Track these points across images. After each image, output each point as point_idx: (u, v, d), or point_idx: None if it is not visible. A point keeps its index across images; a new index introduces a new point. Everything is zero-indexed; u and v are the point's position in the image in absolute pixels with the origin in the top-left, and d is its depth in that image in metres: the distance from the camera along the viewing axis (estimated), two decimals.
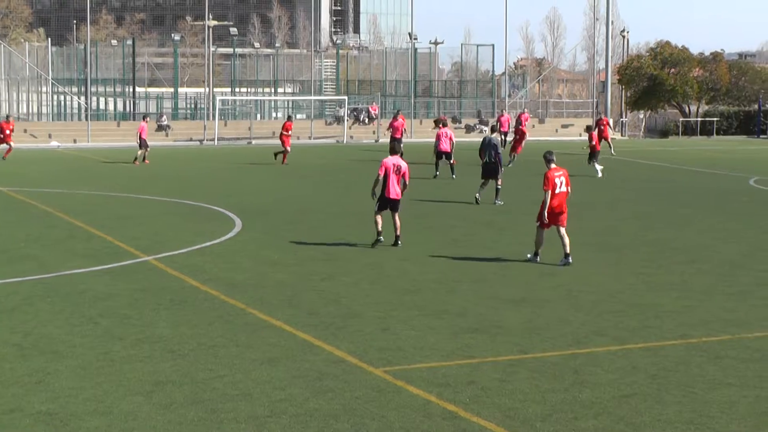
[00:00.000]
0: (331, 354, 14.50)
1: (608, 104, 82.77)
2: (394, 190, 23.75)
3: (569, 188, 22.09)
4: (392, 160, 23.90)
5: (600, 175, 42.39)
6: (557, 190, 21.79)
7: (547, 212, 21.77)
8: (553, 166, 22.06)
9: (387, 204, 23.86)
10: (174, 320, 16.53)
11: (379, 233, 23.69)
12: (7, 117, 50.90)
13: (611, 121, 46.25)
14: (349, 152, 59.47)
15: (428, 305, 17.76)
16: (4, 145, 52.18)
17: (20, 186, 37.88)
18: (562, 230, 21.99)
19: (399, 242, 23.91)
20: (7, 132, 52.36)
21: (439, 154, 41.73)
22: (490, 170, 32.61)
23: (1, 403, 12.23)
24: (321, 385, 13.01)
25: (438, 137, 42.05)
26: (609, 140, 56.40)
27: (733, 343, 15.39)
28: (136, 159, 49.63)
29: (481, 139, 33.87)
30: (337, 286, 19.44)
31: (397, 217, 23.96)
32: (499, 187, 32.69)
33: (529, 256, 22.50)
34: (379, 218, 23.77)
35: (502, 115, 59.90)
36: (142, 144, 50.06)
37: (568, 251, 21.91)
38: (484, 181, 32.79)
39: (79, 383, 13.04)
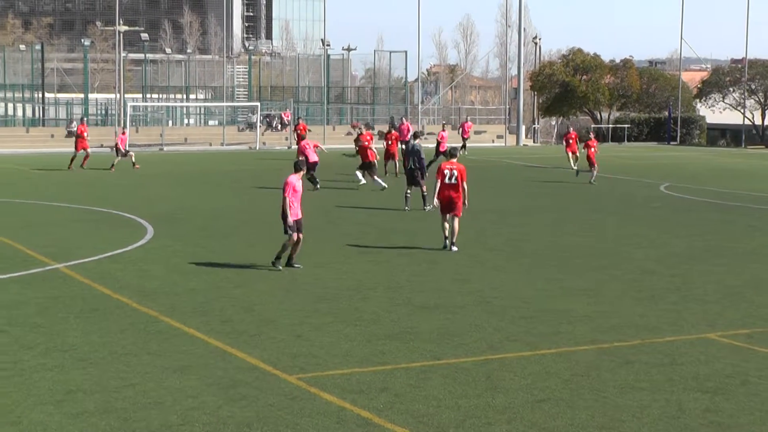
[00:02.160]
0: (244, 361, 14.46)
1: (521, 111, 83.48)
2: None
3: (465, 183, 24.46)
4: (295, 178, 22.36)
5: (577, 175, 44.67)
6: (446, 181, 24.38)
7: (441, 201, 24.48)
8: (453, 160, 24.76)
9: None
10: (85, 328, 16.37)
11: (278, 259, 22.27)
12: (82, 119, 46.52)
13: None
14: (262, 158, 59.30)
15: (342, 312, 17.78)
16: (82, 152, 49.22)
17: None
18: (456, 218, 24.58)
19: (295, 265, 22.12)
20: (84, 135, 49.20)
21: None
22: (414, 177, 32.68)
23: None
24: (234, 393, 12.97)
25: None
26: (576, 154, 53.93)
27: (644, 347, 15.59)
28: (113, 165, 48.80)
29: (404, 146, 33.91)
30: (251, 293, 19.39)
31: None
32: (425, 193, 32.74)
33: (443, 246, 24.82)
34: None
35: (403, 123, 59.20)
36: (120, 152, 49.18)
37: (453, 240, 24.66)
38: (409, 189, 32.81)
39: None
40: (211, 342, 15.54)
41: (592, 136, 47.49)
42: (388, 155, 45.25)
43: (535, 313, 17.88)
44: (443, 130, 52.76)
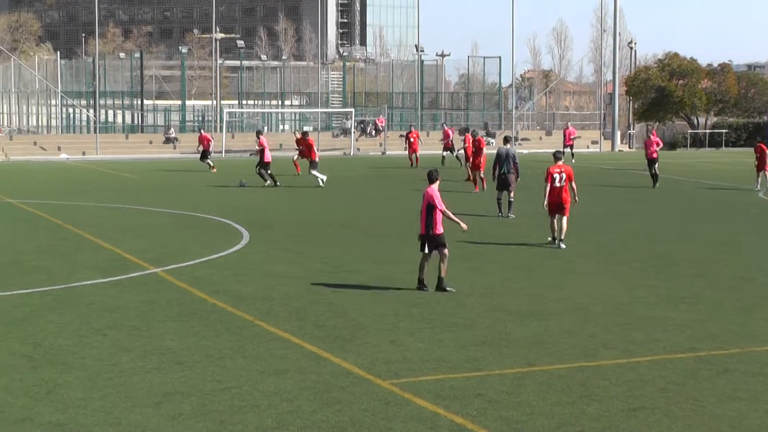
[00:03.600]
0: (338, 366, 14.49)
1: (616, 116, 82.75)
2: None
3: (570, 183, 25.92)
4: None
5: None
6: (555, 184, 25.74)
7: (549, 202, 25.84)
8: (559, 163, 26.06)
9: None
10: (182, 332, 16.54)
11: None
12: (305, 134, 47.89)
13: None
14: (356, 164, 59.48)
15: (436, 318, 17.75)
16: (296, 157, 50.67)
17: (30, 198, 37.96)
18: (564, 218, 25.95)
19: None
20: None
21: None
22: (506, 182, 32.47)
23: (12, 414, 12.26)
24: (328, 397, 13.01)
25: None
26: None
27: (743, 356, 15.35)
28: (213, 167, 51.59)
29: (496, 151, 33.62)
30: (344, 298, 19.44)
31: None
32: (512, 200, 32.61)
33: (549, 239, 26.55)
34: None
35: (445, 129, 59.42)
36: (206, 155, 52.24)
37: (561, 237, 26.00)
38: (500, 195, 32.65)
39: (88, 394, 13.06)
40: (306, 346, 15.60)
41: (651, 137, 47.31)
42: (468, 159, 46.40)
43: (631, 320, 17.70)
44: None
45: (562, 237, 26.04)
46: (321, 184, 43.25)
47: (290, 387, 13.45)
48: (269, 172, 43.78)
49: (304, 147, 44.92)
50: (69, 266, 23.04)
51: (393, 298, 19.48)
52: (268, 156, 43.88)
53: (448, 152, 56.25)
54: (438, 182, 20.22)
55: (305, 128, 59.33)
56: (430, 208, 19.81)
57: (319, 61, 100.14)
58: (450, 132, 57.51)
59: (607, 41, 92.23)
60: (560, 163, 26.23)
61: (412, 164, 54.72)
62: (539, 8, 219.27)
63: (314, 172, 43.70)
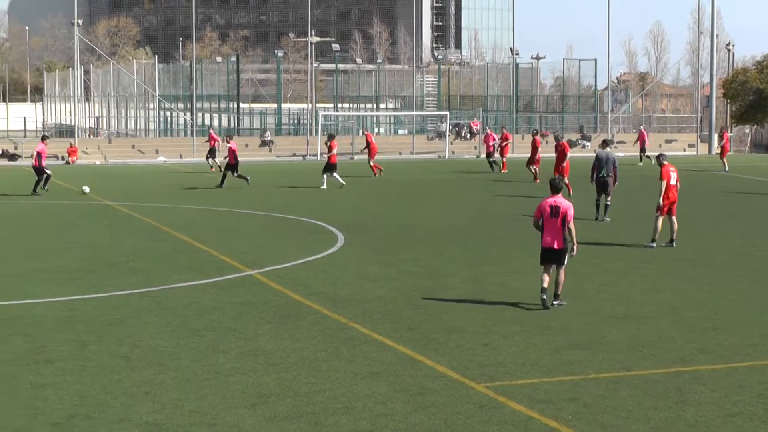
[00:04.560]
0: (432, 369, 14.50)
1: (713, 119, 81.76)
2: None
3: (679, 183, 26.59)
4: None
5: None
6: (672, 183, 26.12)
7: (665, 203, 26.04)
8: (666, 162, 26.54)
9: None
10: (277, 334, 16.66)
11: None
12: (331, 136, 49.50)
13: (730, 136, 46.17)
14: (450, 167, 59.45)
15: (530, 321, 17.68)
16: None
17: (128, 201, 38.48)
18: (674, 217, 26.43)
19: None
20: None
21: None
22: (605, 185, 32.24)
23: (110, 413, 12.44)
24: (423, 400, 13.02)
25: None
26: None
27: None
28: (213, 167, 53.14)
29: (596, 155, 33.38)
30: (439, 301, 19.43)
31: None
32: (609, 203, 32.36)
33: (645, 244, 26.45)
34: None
35: (488, 133, 59.21)
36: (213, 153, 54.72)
37: (674, 237, 26.45)
38: (598, 198, 32.43)
39: (184, 395, 13.21)
40: (400, 349, 15.63)
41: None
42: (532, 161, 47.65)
43: (727, 325, 17.48)
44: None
45: (674, 237, 26.50)
46: (336, 185, 44.27)
47: (384, 389, 13.49)
48: (334, 174, 44.31)
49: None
50: (166, 268, 23.33)
51: (487, 301, 19.43)
52: (334, 158, 44.82)
53: (492, 156, 55.49)
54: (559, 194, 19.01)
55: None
56: (550, 219, 18.62)
57: (413, 64, 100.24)
58: (494, 136, 57.05)
59: (705, 43, 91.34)
60: (666, 163, 26.56)
61: (500, 169, 54.25)
62: (635, 10, 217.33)
63: (335, 175, 44.65)
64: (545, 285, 18.62)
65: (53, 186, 42.71)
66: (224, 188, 43.13)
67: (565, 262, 18.82)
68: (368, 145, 53.59)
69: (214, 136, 58.14)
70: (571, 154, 42.16)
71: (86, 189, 41.24)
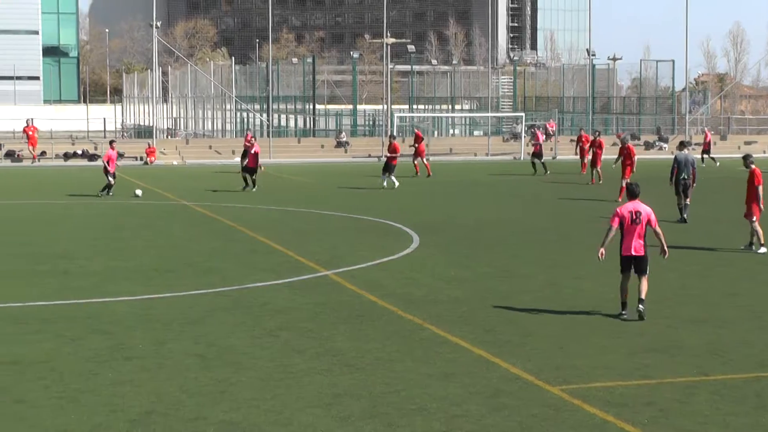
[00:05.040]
0: (507, 371, 14.44)
1: None
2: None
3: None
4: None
5: None
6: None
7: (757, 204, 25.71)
8: (754, 165, 25.99)
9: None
10: (352, 334, 16.69)
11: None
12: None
13: None
14: (526, 169, 59.20)
15: (605, 324, 17.55)
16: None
17: (205, 201, 38.77)
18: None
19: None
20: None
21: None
22: (685, 187, 32.03)
23: (186, 412, 12.53)
24: (497, 402, 12.97)
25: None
26: None
27: None
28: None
29: (674, 157, 33.13)
30: (514, 303, 19.35)
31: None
32: (688, 203, 32.12)
33: (742, 246, 26.25)
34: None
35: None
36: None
37: (762, 240, 25.83)
38: (679, 200, 32.18)
39: (260, 394, 13.27)
40: (475, 351, 15.58)
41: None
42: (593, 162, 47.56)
43: None
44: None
45: (762, 241, 25.91)
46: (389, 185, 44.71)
47: (459, 391, 13.45)
48: (391, 176, 44.92)
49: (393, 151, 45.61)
50: (242, 268, 23.46)
51: (562, 303, 19.33)
52: (395, 160, 45.40)
53: (540, 156, 54.89)
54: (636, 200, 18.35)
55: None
56: (631, 225, 18.00)
57: (489, 66, 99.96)
58: (542, 136, 56.47)
59: None
60: (755, 166, 26.15)
61: (545, 171, 53.82)
62: (714, 10, 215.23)
63: (392, 177, 45.05)
64: (625, 299, 18.04)
65: (131, 186, 43.10)
66: (258, 189, 42.74)
67: (648, 271, 18.20)
68: (417, 141, 53.64)
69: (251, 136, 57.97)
70: (648, 156, 41.82)
71: (139, 192, 40.64)
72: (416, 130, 61.14)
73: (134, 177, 50.72)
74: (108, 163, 40.49)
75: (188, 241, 28.15)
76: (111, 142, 44.06)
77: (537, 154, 54.50)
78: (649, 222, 18.06)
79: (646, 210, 18.14)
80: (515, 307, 18.95)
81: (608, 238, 18.28)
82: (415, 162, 52.96)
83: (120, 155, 43.12)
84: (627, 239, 18.08)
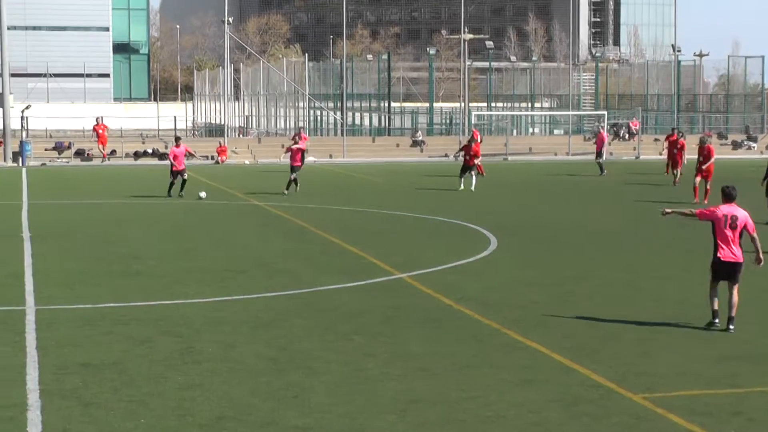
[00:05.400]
0: (587, 378, 14.37)
1: None
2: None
3: None
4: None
5: None
6: None
7: None
8: None
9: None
10: (427, 338, 16.69)
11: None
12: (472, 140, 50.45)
13: None
14: (609, 169, 58.86)
15: (691, 330, 17.38)
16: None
17: (277, 201, 38.96)
18: None
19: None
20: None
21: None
22: None
23: (258, 417, 12.60)
24: (577, 410, 12.91)
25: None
26: None
27: None
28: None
29: None
30: (594, 307, 19.25)
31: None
32: None
33: None
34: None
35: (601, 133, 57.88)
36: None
37: None
38: None
39: (333, 399, 13.31)
40: (554, 356, 15.52)
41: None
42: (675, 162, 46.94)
43: None
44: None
45: None
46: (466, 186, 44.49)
47: (537, 398, 13.41)
48: (473, 173, 44.86)
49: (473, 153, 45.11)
50: (315, 269, 23.56)
51: (644, 307, 19.19)
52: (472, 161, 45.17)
53: (601, 156, 54.33)
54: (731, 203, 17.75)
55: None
56: (726, 230, 17.39)
57: (570, 62, 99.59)
58: (605, 136, 55.82)
59: None
60: None
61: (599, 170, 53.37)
62: None
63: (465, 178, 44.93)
64: (716, 307, 17.51)
65: (201, 186, 43.43)
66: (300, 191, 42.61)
67: (740, 280, 17.68)
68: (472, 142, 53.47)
69: (304, 136, 58.11)
70: (737, 156, 41.44)
71: (203, 194, 40.07)
72: (474, 130, 60.83)
73: (205, 176, 51.15)
74: (174, 160, 40.43)
75: (259, 241, 28.33)
76: (177, 139, 43.57)
77: (599, 153, 54.39)
78: (746, 227, 17.54)
79: (743, 214, 17.61)
80: (595, 311, 18.85)
81: (683, 214, 18.31)
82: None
83: (190, 154, 42.98)
84: (724, 245, 17.45)
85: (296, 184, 41.84)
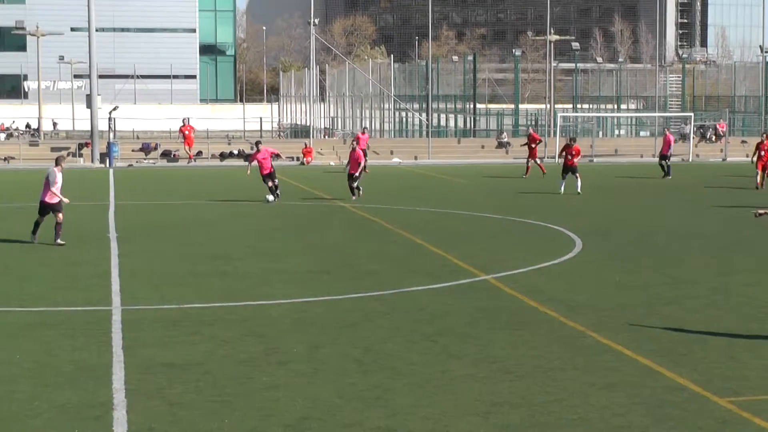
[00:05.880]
0: (673, 381, 14.25)
1: None
2: None
3: None
4: None
5: None
6: None
7: None
8: None
9: None
10: (512, 341, 16.65)
11: None
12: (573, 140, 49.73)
13: None
14: (695, 171, 58.34)
15: None
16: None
17: (361, 202, 39.05)
18: None
19: None
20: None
21: None
22: None
23: (342, 417, 12.66)
24: (662, 413, 12.82)
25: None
26: None
27: None
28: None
29: None
30: (681, 310, 19.09)
31: None
32: None
33: None
34: None
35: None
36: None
37: None
38: None
39: (416, 401, 13.33)
40: (640, 359, 15.41)
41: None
42: None
43: None
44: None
45: None
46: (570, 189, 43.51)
47: (622, 401, 13.33)
48: (577, 174, 43.72)
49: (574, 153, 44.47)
50: (399, 271, 23.59)
51: (731, 311, 19.00)
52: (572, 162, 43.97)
53: (667, 158, 53.47)
54: None
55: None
56: None
57: (656, 63, 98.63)
58: (672, 138, 54.87)
59: None
60: None
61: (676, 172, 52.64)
62: None
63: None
64: None
65: (285, 186, 43.68)
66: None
67: None
68: (533, 142, 53.11)
69: (364, 136, 58.30)
70: None
71: (270, 198, 38.43)
72: (531, 131, 60.34)
73: (290, 177, 51.42)
74: (260, 166, 39.03)
75: (345, 243, 28.43)
76: (256, 144, 41.92)
77: (664, 155, 53.56)
78: None
79: None
80: (682, 314, 18.69)
81: None
82: (529, 164, 52.73)
83: (276, 156, 42.52)
84: None
85: (358, 191, 40.28)
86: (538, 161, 53.30)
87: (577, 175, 43.15)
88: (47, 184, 27.26)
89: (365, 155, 51.16)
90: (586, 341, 16.64)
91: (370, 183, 48.87)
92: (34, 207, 28.41)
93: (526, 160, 53.65)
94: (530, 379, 14.39)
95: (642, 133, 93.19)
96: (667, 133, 56.31)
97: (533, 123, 79.28)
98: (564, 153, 44.21)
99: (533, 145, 53.02)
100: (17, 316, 18.69)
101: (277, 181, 39.59)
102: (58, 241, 27.11)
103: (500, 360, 15.41)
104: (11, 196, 42.65)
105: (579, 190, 42.86)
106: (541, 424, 12.45)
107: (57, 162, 27.69)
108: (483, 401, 13.33)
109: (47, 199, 27.28)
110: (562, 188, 43.29)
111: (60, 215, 27.27)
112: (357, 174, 40.10)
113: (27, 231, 28.04)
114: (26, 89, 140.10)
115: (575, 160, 43.31)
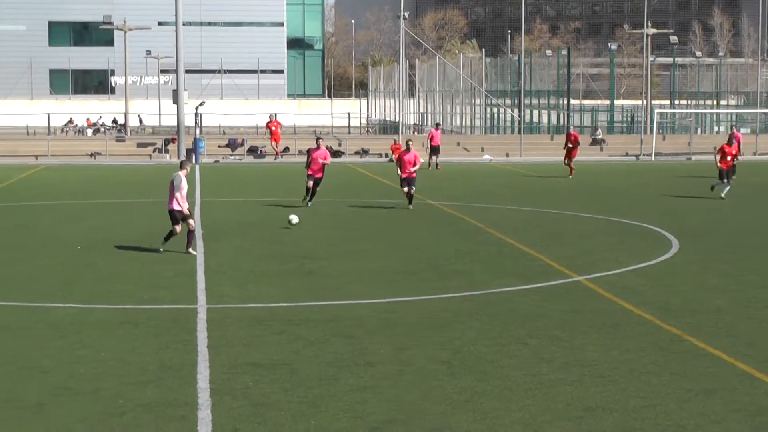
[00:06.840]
0: None
1: None
2: None
3: None
4: None
5: None
6: None
7: None
8: None
9: None
10: (605, 344, 16.57)
11: None
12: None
13: None
14: None
15: None
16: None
17: (450, 200, 39.05)
18: None
19: None
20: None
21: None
22: None
23: (429, 420, 12.68)
24: (761, 421, 12.69)
25: None
26: None
27: None
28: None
29: None
30: None
31: None
32: None
33: None
34: None
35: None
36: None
37: None
38: None
39: (506, 404, 13.32)
40: (738, 365, 15.26)
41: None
42: None
43: None
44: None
45: None
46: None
47: (719, 408, 13.21)
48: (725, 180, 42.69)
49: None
50: (489, 271, 23.56)
51: None
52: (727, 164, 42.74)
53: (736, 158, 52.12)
54: None
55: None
56: None
57: (758, 58, 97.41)
58: (740, 136, 53.49)
59: None
60: None
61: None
62: None
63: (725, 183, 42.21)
64: None
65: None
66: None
67: None
68: (572, 142, 52.46)
69: (438, 132, 58.09)
70: None
71: (294, 219, 30.93)
72: (572, 131, 59.41)
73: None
74: (312, 161, 36.77)
75: (433, 242, 28.43)
76: (317, 139, 39.07)
77: (734, 156, 52.37)
78: None
79: None
80: None
81: None
82: (571, 164, 52.13)
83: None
84: None
85: (409, 201, 36.46)
86: (572, 163, 52.48)
87: (732, 179, 41.35)
88: (172, 189, 25.51)
89: (437, 152, 51.35)
90: (682, 345, 16.51)
91: (459, 181, 48.85)
92: (107, 207, 28.68)
93: (565, 162, 52.79)
94: (624, 383, 14.32)
95: (742, 130, 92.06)
96: (734, 131, 55.36)
97: (658, 120, 78.01)
98: (720, 155, 42.06)
99: (571, 146, 52.40)
100: (103, 314, 18.96)
101: (318, 188, 37.24)
102: (190, 249, 25.82)
103: (593, 363, 15.34)
104: (95, 192, 43.23)
105: (723, 195, 40.60)
106: (635, 430, 12.39)
107: (182, 166, 26.23)
108: (575, 406, 13.28)
109: (174, 206, 25.59)
110: (723, 193, 40.82)
111: (191, 222, 26.01)
112: (412, 177, 36.28)
113: (108, 228, 28.35)
114: (113, 84, 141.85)
115: (736, 159, 41.77)
